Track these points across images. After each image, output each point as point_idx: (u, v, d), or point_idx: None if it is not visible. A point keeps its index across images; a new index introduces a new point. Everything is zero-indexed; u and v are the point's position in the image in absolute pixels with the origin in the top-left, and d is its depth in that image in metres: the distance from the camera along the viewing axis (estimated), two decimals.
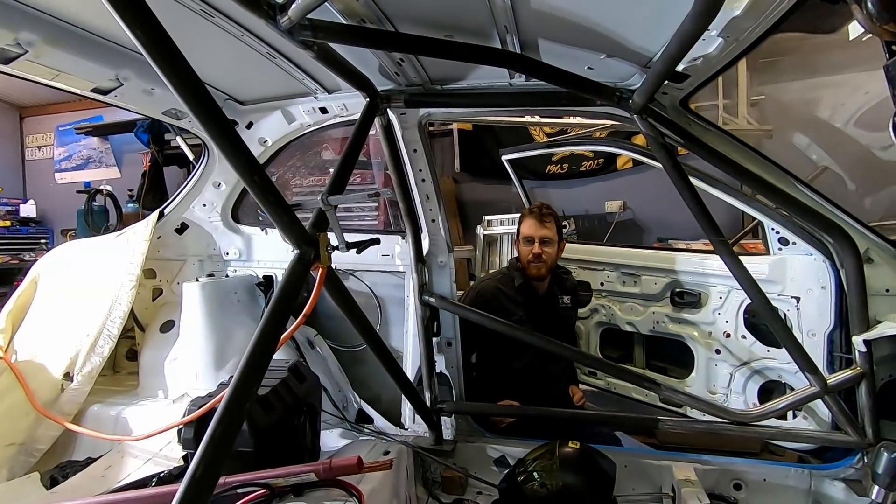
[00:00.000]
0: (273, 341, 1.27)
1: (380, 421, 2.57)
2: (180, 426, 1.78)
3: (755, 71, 5.15)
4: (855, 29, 1.43)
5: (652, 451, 2.45)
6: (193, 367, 2.49)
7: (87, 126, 7.77)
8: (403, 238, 2.49)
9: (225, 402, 1.08)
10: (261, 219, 2.80)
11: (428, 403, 2.35)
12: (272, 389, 1.87)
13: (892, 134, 0.93)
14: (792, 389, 2.34)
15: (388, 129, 2.16)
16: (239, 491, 1.57)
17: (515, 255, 2.77)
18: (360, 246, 1.46)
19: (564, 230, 6.69)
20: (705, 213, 1.93)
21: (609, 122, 5.10)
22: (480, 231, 5.56)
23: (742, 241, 4.34)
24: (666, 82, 1.73)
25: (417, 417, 2.39)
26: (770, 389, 2.48)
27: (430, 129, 6.84)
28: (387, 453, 2.04)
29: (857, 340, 1.91)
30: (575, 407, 2.62)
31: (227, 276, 2.83)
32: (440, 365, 2.46)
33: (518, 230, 2.71)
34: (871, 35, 1.53)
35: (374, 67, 1.93)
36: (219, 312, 2.55)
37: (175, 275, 2.90)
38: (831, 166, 3.77)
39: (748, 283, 1.96)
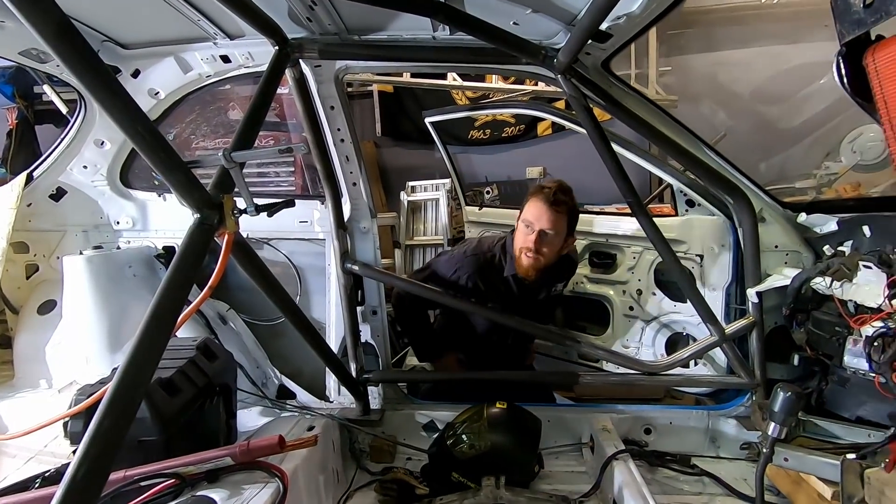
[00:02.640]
0: (170, 319, 1.11)
1: (303, 395, 2.46)
2: (66, 419, 1.56)
3: (663, 43, 5.41)
4: None
5: (573, 404, 2.58)
6: (83, 351, 2.20)
7: None
8: (322, 203, 2.34)
9: (112, 391, 0.93)
10: (157, 182, 2.49)
11: (354, 374, 2.28)
12: (178, 371, 1.70)
13: (834, 72, 0.96)
14: (694, 340, 2.55)
15: (301, 83, 1.97)
16: (143, 484, 1.42)
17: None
18: (272, 209, 1.32)
19: (487, 196, 6.67)
20: (623, 176, 1.99)
21: (530, 89, 5.14)
22: (404, 197, 5.45)
23: (650, 206, 4.63)
24: (589, 42, 1.72)
25: (343, 389, 2.31)
26: (675, 341, 2.69)
27: (349, 89, 6.55)
28: (311, 429, 1.95)
29: (751, 292, 2.10)
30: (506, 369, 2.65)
31: (118, 247, 2.50)
32: (365, 334, 2.38)
33: (521, 207, 2.20)
34: None
35: (284, 11, 1.73)
36: (110, 289, 2.26)
37: (53, 248, 2.52)
38: (730, 134, 4.11)
39: (660, 242, 2.06)
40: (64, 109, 3.36)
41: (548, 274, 2.29)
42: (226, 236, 1.26)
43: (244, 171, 1.40)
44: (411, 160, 6.44)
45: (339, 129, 2.14)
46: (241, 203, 1.36)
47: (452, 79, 5.38)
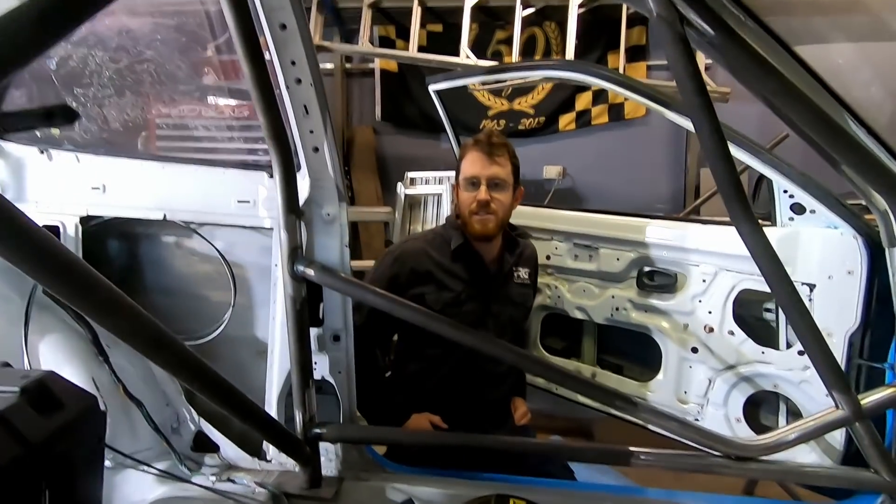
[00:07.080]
0: None
1: (229, 449, 1.72)
2: None
3: None
4: None
5: (616, 488, 1.84)
6: None
7: None
8: (271, 176, 1.61)
9: None
10: (39, 135, 1.76)
11: (299, 427, 1.56)
12: None
13: None
14: (792, 404, 1.82)
15: None
16: None
17: (454, 212, 2.01)
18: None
19: None
20: (728, 160, 1.25)
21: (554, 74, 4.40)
22: (402, 190, 4.78)
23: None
24: None
25: None
26: (758, 402, 1.95)
27: (347, 65, 5.87)
28: None
29: None
30: (516, 427, 1.94)
31: None
32: (322, 369, 1.65)
33: (457, 171, 1.94)
34: None
35: None
36: None
37: None
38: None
39: (770, 263, 1.32)
40: None
41: (505, 248, 2.00)
42: None
43: None
44: (414, 150, 5.80)
45: (293, 63, 1.41)
46: None
47: (465, 56, 4.72)
